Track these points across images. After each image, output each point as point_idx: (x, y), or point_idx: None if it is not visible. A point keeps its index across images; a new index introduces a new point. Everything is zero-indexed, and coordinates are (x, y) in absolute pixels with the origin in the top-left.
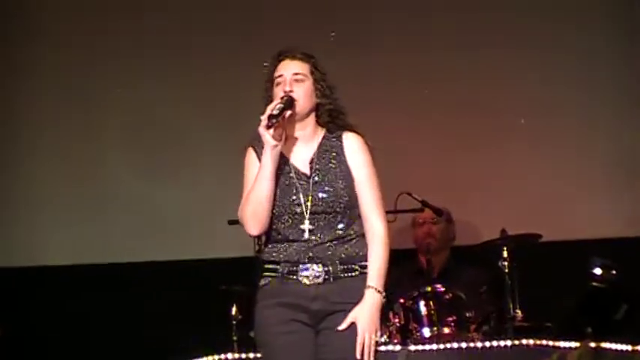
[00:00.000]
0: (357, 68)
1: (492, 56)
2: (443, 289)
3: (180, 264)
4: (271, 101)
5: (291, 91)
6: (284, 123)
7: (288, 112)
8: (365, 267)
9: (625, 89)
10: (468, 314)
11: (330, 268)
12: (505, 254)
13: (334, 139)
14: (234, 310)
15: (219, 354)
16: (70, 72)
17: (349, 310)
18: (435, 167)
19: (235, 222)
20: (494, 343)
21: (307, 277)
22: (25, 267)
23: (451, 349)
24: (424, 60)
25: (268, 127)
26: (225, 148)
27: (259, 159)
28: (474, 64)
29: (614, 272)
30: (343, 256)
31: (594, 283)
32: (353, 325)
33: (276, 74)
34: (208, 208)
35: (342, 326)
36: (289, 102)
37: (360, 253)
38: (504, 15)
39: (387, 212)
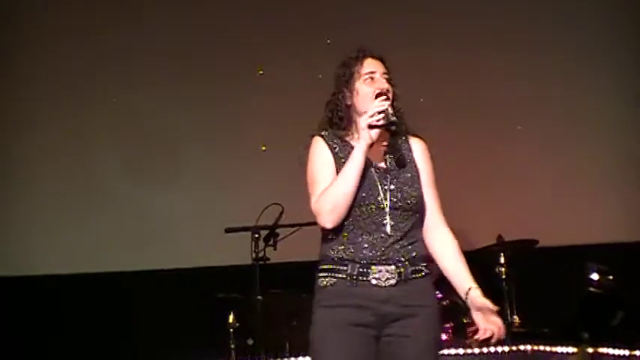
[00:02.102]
0: None
1: (488, 60)
2: (440, 296)
3: (178, 272)
4: (355, 94)
5: (388, 90)
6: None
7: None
8: (427, 267)
9: (625, 97)
10: (465, 320)
11: (402, 270)
12: (502, 260)
13: (401, 142)
14: (231, 317)
15: None
16: (65, 80)
17: (416, 315)
18: None
19: (232, 230)
20: (492, 349)
21: (379, 279)
22: (20, 276)
23: (449, 355)
24: (420, 63)
25: (371, 127)
26: (224, 156)
27: (330, 149)
28: (470, 69)
29: (610, 277)
30: (412, 255)
31: (591, 289)
32: (416, 334)
33: (365, 70)
34: (205, 216)
35: (493, 306)
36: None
37: (424, 254)
38: (505, 20)
39: None
